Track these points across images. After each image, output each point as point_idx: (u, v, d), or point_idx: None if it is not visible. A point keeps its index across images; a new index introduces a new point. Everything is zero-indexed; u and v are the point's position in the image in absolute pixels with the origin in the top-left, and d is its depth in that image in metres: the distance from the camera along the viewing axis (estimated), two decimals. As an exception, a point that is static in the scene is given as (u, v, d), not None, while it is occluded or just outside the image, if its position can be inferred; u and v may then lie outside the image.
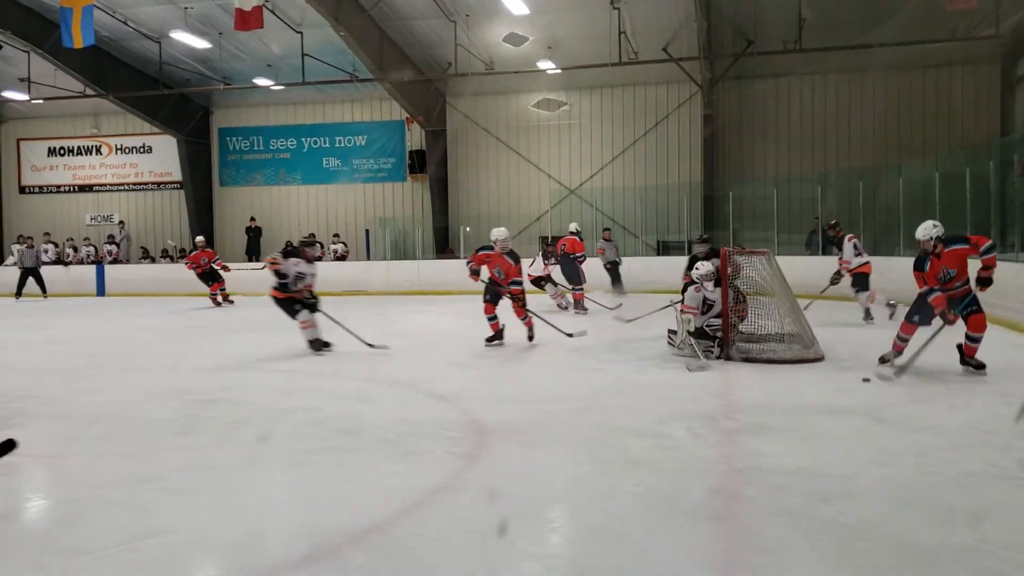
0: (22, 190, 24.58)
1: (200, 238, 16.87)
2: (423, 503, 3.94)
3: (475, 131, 21.42)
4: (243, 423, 5.76)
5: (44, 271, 19.25)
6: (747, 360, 7.77)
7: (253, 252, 21.66)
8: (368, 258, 20.89)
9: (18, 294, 18.76)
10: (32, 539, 3.72)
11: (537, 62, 18.69)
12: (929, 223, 6.91)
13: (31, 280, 18.79)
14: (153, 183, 23.60)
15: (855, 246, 10.97)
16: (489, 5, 16.94)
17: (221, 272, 16.14)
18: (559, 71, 19.01)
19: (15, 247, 20.69)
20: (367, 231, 21.49)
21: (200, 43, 18.13)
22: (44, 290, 18.89)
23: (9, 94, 20.73)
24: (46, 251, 22.14)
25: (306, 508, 3.94)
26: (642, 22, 17.31)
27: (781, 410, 5.80)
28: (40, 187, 24.44)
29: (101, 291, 20.46)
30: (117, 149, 23.80)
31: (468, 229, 20.40)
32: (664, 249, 19.34)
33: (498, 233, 9.38)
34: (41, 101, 20.64)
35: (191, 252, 16.53)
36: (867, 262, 10.94)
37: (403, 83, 19.38)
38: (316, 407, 6.14)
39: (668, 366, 7.78)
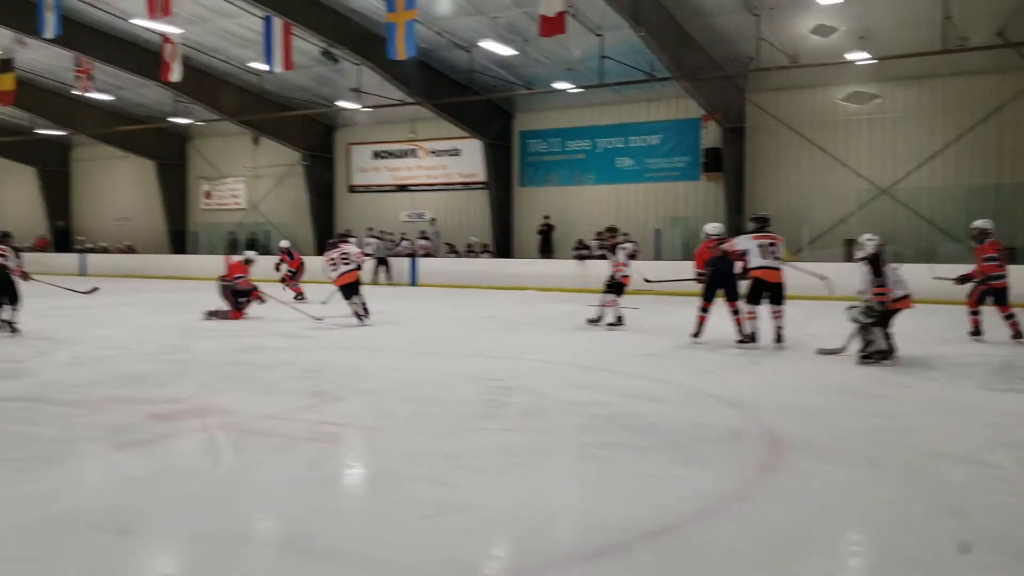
0: (351, 189, 27.45)
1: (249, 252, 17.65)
2: (716, 510, 3.82)
3: (775, 127, 20.54)
4: (538, 412, 5.96)
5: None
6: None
7: (546, 250, 22.45)
8: (658, 257, 20.81)
9: (374, 280, 21.52)
10: (351, 503, 4.09)
11: (846, 53, 17.50)
12: None
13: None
14: (460, 183, 25.27)
15: None
16: (796, -4, 16.17)
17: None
18: (872, 61, 17.65)
19: (370, 239, 23.26)
20: (657, 230, 21.42)
21: (506, 50, 19.07)
22: (390, 279, 21.46)
23: (343, 103, 23.22)
24: (368, 244, 24.55)
25: (597, 502, 3.96)
26: (971, 5, 15.56)
27: None
28: (365, 187, 27.14)
29: (413, 281, 22.33)
30: (430, 152, 25.79)
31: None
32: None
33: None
34: (369, 109, 22.89)
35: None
36: None
37: (700, 80, 19.06)
38: (606, 402, 6.20)
39: (994, 387, 6.93)
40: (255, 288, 12.61)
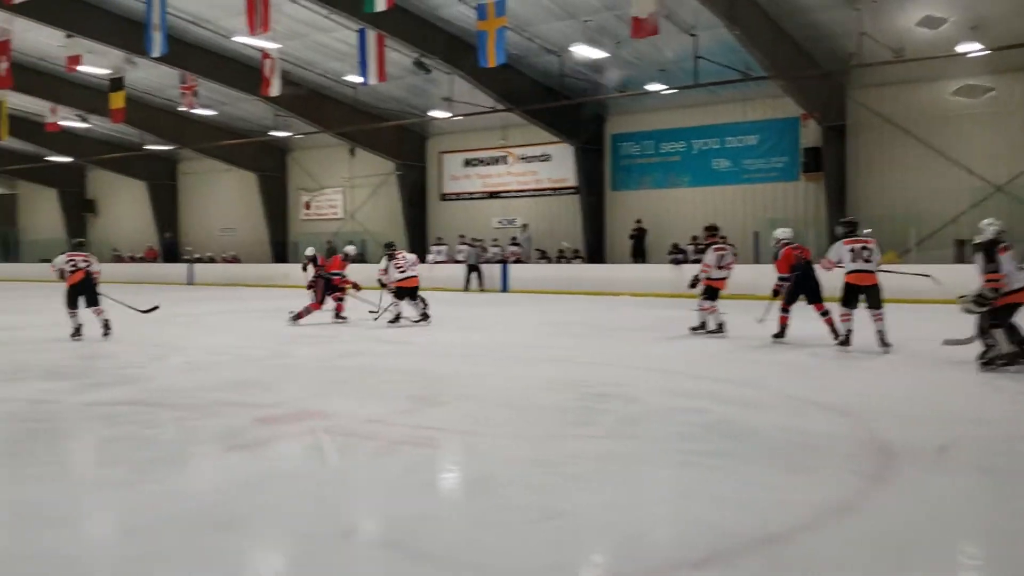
0: (442, 197, 27.82)
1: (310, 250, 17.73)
2: (823, 520, 3.71)
3: (879, 124, 19.83)
4: (635, 419, 5.91)
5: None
6: None
7: (638, 254, 22.23)
8: (757, 261, 20.33)
9: (466, 287, 21.91)
10: (452, 508, 4.13)
11: (956, 45, 16.75)
12: None
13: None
14: (550, 189, 25.29)
15: None
16: (899, -12, 15.58)
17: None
18: (985, 52, 16.83)
19: (461, 246, 23.57)
20: (755, 233, 20.93)
21: (597, 53, 18.98)
22: (482, 286, 21.69)
23: (434, 113, 23.58)
24: (460, 251, 24.84)
25: (698, 509, 3.89)
26: (1093, -12, 14.71)
27: None
28: (456, 194, 27.46)
29: (504, 287, 22.45)
30: (521, 158, 25.91)
31: (869, 230, 18.92)
32: None
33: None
34: (460, 117, 23.16)
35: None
36: None
37: (799, 78, 18.56)
38: (704, 409, 6.10)
39: None
40: (354, 284, 13.30)
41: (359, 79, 19.02)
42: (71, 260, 10.95)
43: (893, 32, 17.03)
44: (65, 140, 30.19)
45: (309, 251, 15.71)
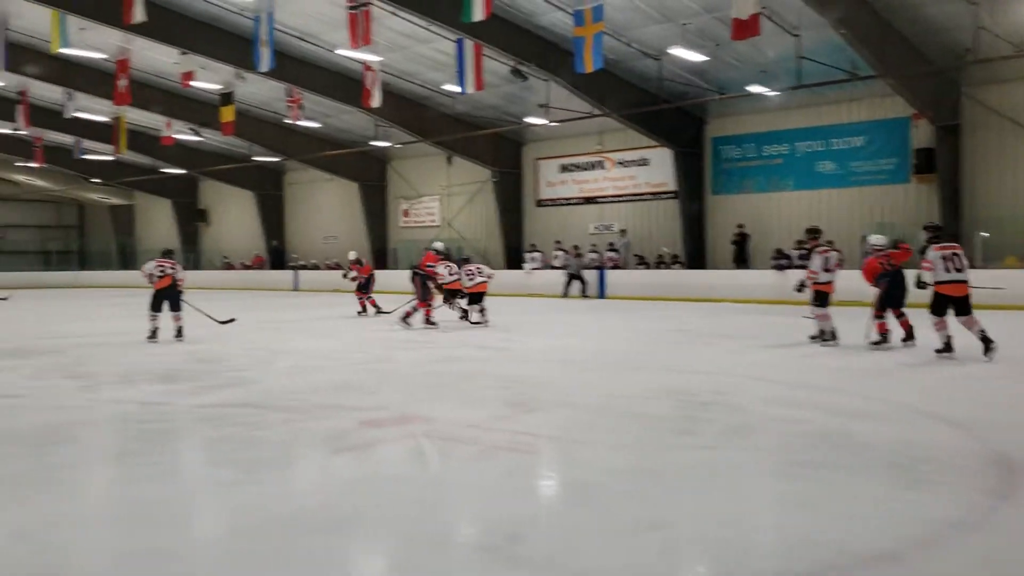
0: (538, 203, 27.88)
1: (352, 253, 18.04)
2: (938, 538, 3.54)
3: (997, 122, 18.84)
4: (740, 429, 5.75)
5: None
6: None
7: (741, 260, 21.73)
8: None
9: (564, 294, 21.88)
10: (551, 514, 4.10)
11: (1083, 36, 15.79)
12: None
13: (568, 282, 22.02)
14: (649, 194, 25.01)
15: None
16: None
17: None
18: (1112, 44, 15.83)
19: (561, 253, 23.60)
20: (863, 237, 20.16)
21: (696, 56, 18.70)
22: (585, 292, 21.73)
23: (531, 119, 23.66)
24: (556, 257, 24.82)
25: (807, 523, 3.75)
26: None
27: None
28: (552, 200, 27.47)
29: (602, 294, 22.31)
30: (618, 163, 25.72)
31: (986, 234, 18.02)
32: None
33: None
34: (555, 124, 23.17)
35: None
36: None
37: (909, 77, 17.83)
38: (812, 419, 5.91)
39: None
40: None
41: (457, 88, 19.27)
42: (160, 266, 11.56)
43: (1014, 25, 16.17)
44: (179, 153, 31.66)
45: (352, 254, 16.26)
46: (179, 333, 11.53)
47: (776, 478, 4.60)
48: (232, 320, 13.05)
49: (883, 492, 4.18)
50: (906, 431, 5.60)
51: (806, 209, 21.80)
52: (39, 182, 40.00)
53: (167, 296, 11.51)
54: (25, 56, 22.39)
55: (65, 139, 31.13)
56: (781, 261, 20.01)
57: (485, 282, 13.81)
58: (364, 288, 16.44)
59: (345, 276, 16.82)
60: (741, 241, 21.86)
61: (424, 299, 13.36)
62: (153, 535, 3.65)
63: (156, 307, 11.51)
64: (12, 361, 9.68)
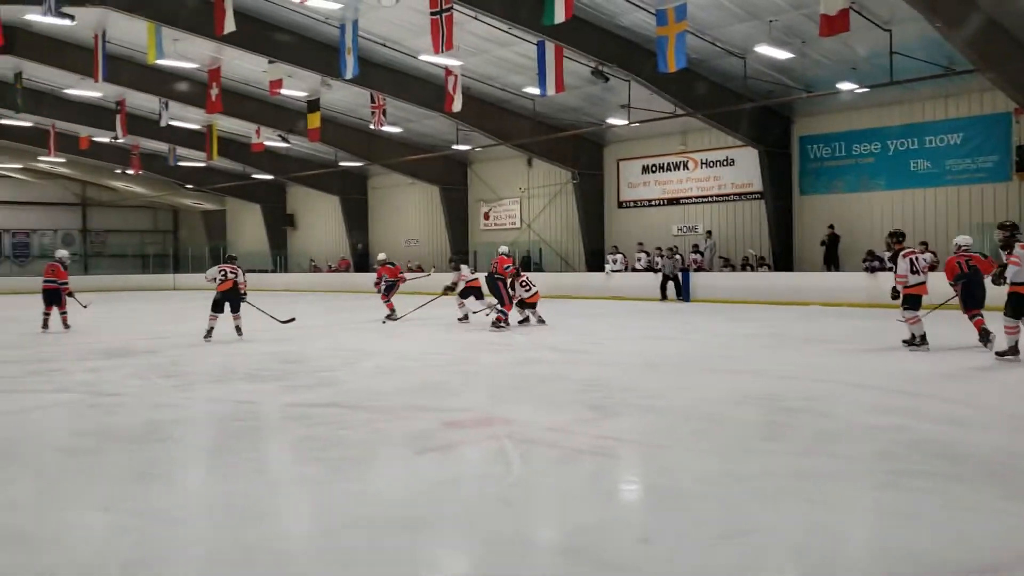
0: (620, 205, 27.66)
1: (382, 255, 17.99)
2: (1051, 554, 3.34)
3: (1107, 116, 17.86)
4: (830, 435, 5.58)
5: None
6: None
7: (831, 261, 21.13)
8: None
9: (663, 297, 21.66)
10: (636, 519, 4.05)
11: None
12: None
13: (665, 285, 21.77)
14: (734, 194, 24.54)
15: None
16: None
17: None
18: None
19: (657, 258, 23.37)
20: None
21: (782, 54, 18.27)
22: (687, 296, 21.43)
23: (612, 120, 23.49)
24: (639, 259, 24.59)
25: (901, 534, 3.61)
26: None
27: None
28: (634, 202, 27.22)
29: (687, 296, 21.97)
30: (702, 163, 25.32)
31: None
32: None
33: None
34: (637, 124, 22.95)
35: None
36: None
37: (1012, 70, 17.03)
38: (907, 427, 5.70)
39: None
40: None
41: (537, 91, 19.29)
42: (222, 270, 12.24)
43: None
44: (267, 159, 32.57)
45: (381, 256, 16.40)
46: (239, 331, 12.26)
47: (868, 486, 4.44)
48: (292, 320, 13.33)
49: (982, 503, 4.01)
50: (1006, 439, 5.38)
51: (899, 209, 21.07)
52: (137, 188, 41.74)
53: (228, 298, 12.13)
54: (123, 67, 23.35)
55: (160, 147, 32.38)
56: (873, 263, 19.38)
57: (538, 292, 14.53)
58: (388, 291, 16.34)
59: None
60: (832, 242, 21.25)
61: (509, 301, 13.76)
62: (244, 530, 3.75)
63: (217, 308, 12.13)
64: (113, 361, 10.11)
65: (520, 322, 14.34)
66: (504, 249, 14.79)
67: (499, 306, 13.70)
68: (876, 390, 7.37)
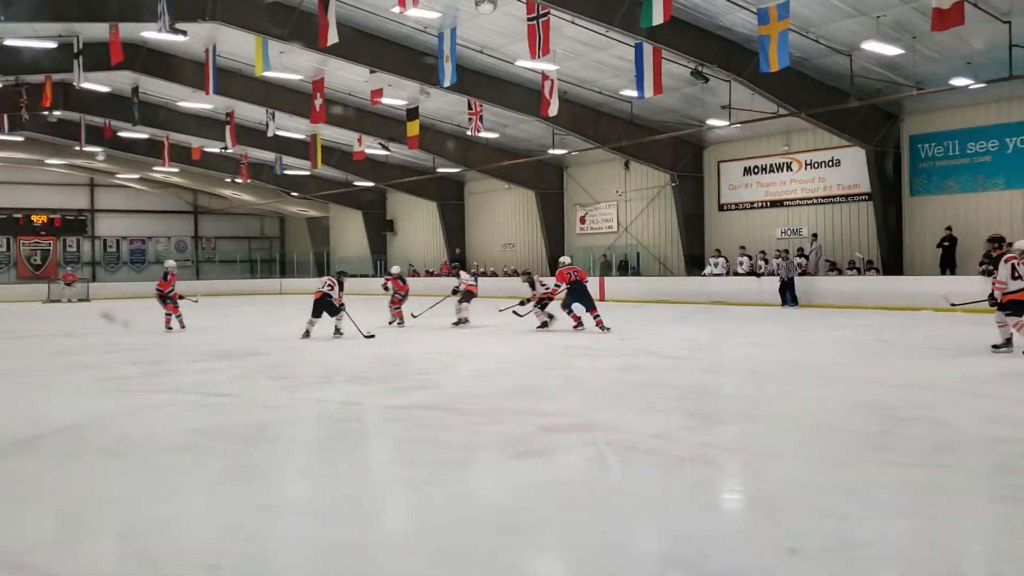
0: (720, 207, 27.13)
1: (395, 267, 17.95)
2: None
3: None
4: (946, 446, 5.34)
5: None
6: None
7: (948, 265, 20.17)
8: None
9: (783, 302, 21.02)
10: (737, 528, 3.95)
11: None
12: None
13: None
14: (840, 196, 23.74)
15: None
16: None
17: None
18: None
19: (775, 260, 22.86)
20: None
21: (891, 50, 17.58)
22: (795, 300, 20.91)
23: (712, 122, 23.08)
24: (741, 263, 24.05)
25: (1018, 551, 3.42)
26: None
27: None
28: (735, 204, 26.65)
29: (793, 301, 21.34)
30: (806, 164, 24.60)
31: None
32: None
33: None
34: (739, 125, 22.47)
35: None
36: None
37: None
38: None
39: None
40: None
41: (634, 93, 19.13)
42: (324, 282, 13.90)
43: None
44: (368, 167, 33.34)
45: (395, 269, 16.72)
46: (336, 332, 13.56)
47: (983, 500, 4.22)
48: (372, 336, 13.58)
49: (1119, 523, 3.75)
50: None
51: (1020, 209, 20.00)
52: (245, 196, 43.38)
53: (323, 305, 13.47)
54: (232, 80, 24.34)
55: (267, 156, 33.59)
56: (989, 266, 18.41)
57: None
58: (400, 303, 16.56)
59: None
60: (949, 244, 20.28)
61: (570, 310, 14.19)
62: (347, 529, 3.84)
63: (315, 313, 13.55)
64: (223, 363, 10.52)
65: (539, 328, 14.55)
66: (566, 260, 15.23)
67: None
68: (993, 399, 7.01)
